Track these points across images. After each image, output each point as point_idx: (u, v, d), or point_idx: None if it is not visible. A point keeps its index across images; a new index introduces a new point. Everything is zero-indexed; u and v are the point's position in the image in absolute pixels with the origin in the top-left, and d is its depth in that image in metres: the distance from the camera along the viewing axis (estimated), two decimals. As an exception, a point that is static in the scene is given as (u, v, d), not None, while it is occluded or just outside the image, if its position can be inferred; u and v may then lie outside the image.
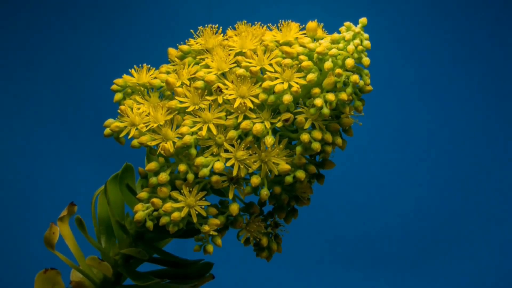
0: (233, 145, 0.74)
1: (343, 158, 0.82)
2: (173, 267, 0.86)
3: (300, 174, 0.75)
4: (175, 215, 0.74)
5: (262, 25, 0.80)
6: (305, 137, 0.74)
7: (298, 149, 0.75)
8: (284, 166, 0.74)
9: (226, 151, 0.74)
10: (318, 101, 0.73)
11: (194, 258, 0.85)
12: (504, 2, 1.64)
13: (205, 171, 0.74)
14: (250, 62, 0.76)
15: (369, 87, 0.76)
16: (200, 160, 0.74)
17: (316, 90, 0.73)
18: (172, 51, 0.82)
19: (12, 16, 1.57)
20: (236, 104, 0.74)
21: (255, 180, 0.74)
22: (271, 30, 0.80)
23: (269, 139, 0.74)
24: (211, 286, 0.87)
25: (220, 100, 0.74)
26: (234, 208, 0.76)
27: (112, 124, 0.78)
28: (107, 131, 0.79)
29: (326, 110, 0.74)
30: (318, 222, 1.57)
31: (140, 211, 0.76)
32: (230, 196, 0.75)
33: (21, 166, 1.55)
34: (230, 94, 0.74)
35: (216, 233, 0.76)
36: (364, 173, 1.61)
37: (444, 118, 1.63)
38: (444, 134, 1.63)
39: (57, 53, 1.58)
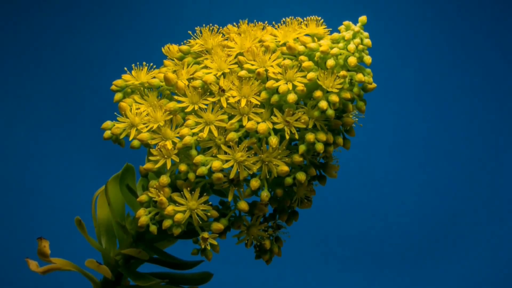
0: (231, 147, 0.73)
1: (342, 159, 0.82)
2: (173, 268, 0.85)
3: (301, 176, 0.75)
4: (178, 216, 0.74)
5: (265, 26, 0.80)
6: (310, 137, 0.73)
7: (302, 147, 0.74)
8: (284, 168, 0.74)
9: (225, 153, 0.74)
10: (323, 104, 0.73)
11: (194, 259, 0.84)
12: (502, 3, 1.64)
13: (203, 169, 0.73)
14: (252, 64, 0.75)
15: (373, 85, 0.75)
16: (199, 158, 0.73)
17: (318, 93, 0.73)
18: (173, 48, 0.82)
19: (13, 17, 1.57)
20: (242, 104, 0.73)
21: (254, 183, 0.73)
22: (274, 28, 0.79)
23: (274, 139, 0.73)
24: (212, 286, 0.86)
25: (223, 102, 0.74)
26: (243, 205, 0.75)
27: (113, 127, 0.77)
28: (107, 133, 0.78)
29: (330, 111, 0.73)
30: (317, 222, 1.57)
31: (143, 216, 0.75)
32: (230, 198, 0.75)
33: (21, 166, 1.54)
34: (233, 96, 0.74)
35: (215, 243, 0.75)
36: (364, 174, 1.61)
37: (443, 118, 1.63)
38: (443, 134, 1.63)
39: (58, 53, 1.58)
